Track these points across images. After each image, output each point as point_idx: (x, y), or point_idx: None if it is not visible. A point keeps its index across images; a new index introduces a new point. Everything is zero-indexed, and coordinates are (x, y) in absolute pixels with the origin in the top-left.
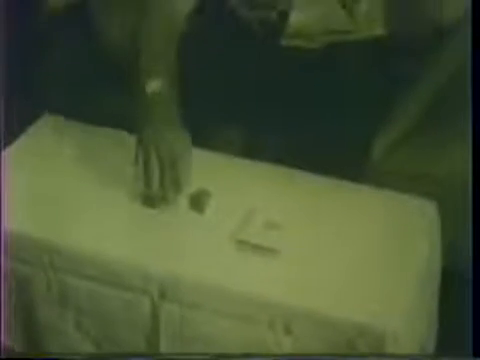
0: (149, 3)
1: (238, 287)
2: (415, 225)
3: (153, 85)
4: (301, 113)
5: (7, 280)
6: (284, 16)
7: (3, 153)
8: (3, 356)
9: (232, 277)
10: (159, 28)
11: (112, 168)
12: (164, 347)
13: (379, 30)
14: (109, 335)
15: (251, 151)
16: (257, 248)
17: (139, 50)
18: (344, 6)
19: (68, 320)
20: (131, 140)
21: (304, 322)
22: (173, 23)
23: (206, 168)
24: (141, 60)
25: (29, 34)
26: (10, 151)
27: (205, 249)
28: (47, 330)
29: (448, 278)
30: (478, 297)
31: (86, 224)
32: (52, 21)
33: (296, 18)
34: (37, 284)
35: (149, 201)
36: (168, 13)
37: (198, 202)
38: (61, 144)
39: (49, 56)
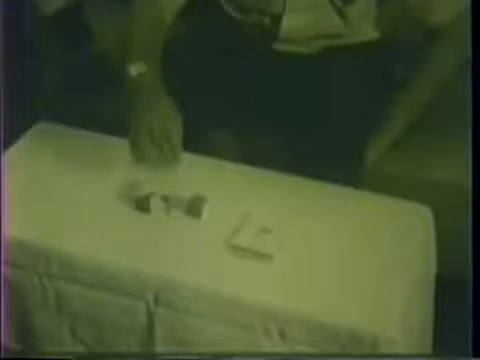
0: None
1: (233, 292)
2: (410, 230)
3: (136, 68)
4: (295, 117)
5: (2, 285)
6: (277, 20)
7: None
8: (3, 356)
9: (227, 282)
10: (143, 17)
11: (107, 174)
12: (159, 352)
13: (372, 34)
14: (104, 340)
15: (245, 156)
16: (252, 253)
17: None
18: (337, 10)
19: (63, 325)
20: (128, 145)
21: (298, 327)
22: (159, 14)
23: (201, 173)
24: (125, 48)
25: (22, 38)
26: (5, 157)
27: (200, 254)
28: (43, 335)
29: (448, 279)
30: (478, 298)
31: (81, 229)
32: (45, 25)
33: (289, 22)
34: (32, 289)
35: (141, 203)
36: (155, 3)
37: (193, 207)
38: (55, 150)
39: (42, 61)
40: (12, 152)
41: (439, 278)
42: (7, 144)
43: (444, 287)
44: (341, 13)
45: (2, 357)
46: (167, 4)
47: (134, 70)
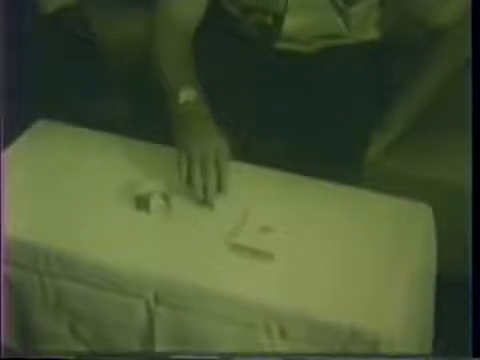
0: (159, 16)
1: (233, 291)
2: (410, 229)
3: (185, 95)
4: (296, 117)
5: (2, 285)
6: (279, 20)
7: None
8: (3, 356)
9: (227, 281)
10: (175, 40)
11: (108, 173)
12: (159, 351)
13: (373, 34)
14: (104, 339)
15: (246, 154)
16: (252, 252)
17: (160, 64)
18: (339, 11)
19: (63, 324)
20: (128, 144)
21: (299, 326)
22: (187, 33)
23: None
24: (166, 73)
25: (22, 38)
26: (6, 155)
27: (200, 253)
28: (42, 334)
29: (448, 279)
30: (478, 298)
31: (81, 229)
32: (45, 24)
33: (291, 22)
34: (32, 288)
35: (141, 202)
36: (180, 24)
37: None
38: (56, 149)
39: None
40: (11, 151)
41: (439, 278)
42: (7, 143)
43: (444, 287)
44: (342, 12)
45: (2, 357)
46: (191, 21)
47: (184, 97)
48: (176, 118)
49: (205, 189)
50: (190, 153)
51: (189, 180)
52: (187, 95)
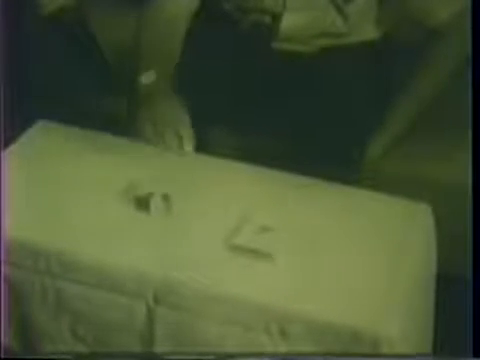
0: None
1: (233, 291)
2: (410, 229)
3: (147, 77)
4: (295, 116)
5: (2, 285)
6: (277, 19)
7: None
8: (3, 356)
9: (227, 281)
10: (156, 24)
11: (107, 174)
12: (159, 351)
13: (372, 33)
14: (104, 340)
15: (245, 154)
16: (251, 252)
17: (137, 45)
18: (337, 9)
19: (63, 325)
20: (128, 144)
21: (299, 326)
22: (173, 21)
23: (200, 172)
24: (137, 54)
25: (22, 38)
26: (6, 155)
27: (200, 253)
28: (42, 335)
29: (448, 278)
30: (478, 297)
31: (81, 229)
32: (45, 24)
33: (289, 21)
34: (32, 288)
35: (141, 203)
36: (170, 10)
37: None
38: (56, 149)
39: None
40: (11, 151)
41: (439, 278)
42: (7, 144)
43: (444, 287)
44: (341, 12)
45: (2, 357)
46: (181, 10)
47: (145, 79)
48: (139, 99)
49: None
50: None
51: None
52: (147, 77)
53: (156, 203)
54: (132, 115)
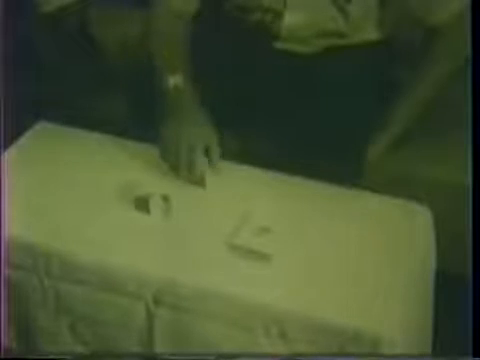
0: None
1: (232, 292)
2: (409, 229)
3: (174, 80)
4: (295, 117)
5: (2, 285)
6: (278, 19)
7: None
8: (3, 356)
9: (226, 282)
10: (168, 28)
11: (107, 174)
12: (159, 351)
13: (373, 33)
14: (104, 340)
15: (245, 155)
16: (251, 253)
17: (153, 50)
18: (338, 7)
19: (63, 325)
20: (128, 145)
21: (298, 327)
22: (181, 22)
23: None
24: (157, 59)
25: (22, 38)
26: (6, 156)
27: (200, 254)
28: (42, 335)
29: (448, 279)
30: (478, 297)
31: (81, 230)
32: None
33: (290, 20)
34: (32, 289)
35: (141, 203)
36: (175, 13)
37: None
38: (57, 150)
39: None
40: (12, 153)
41: (439, 278)
42: (7, 144)
43: (444, 287)
44: (342, 10)
45: (2, 357)
46: (183, 10)
47: (172, 81)
48: (165, 102)
49: (191, 166)
50: (179, 136)
51: (177, 158)
52: (175, 80)
53: (156, 203)
54: (152, 119)
